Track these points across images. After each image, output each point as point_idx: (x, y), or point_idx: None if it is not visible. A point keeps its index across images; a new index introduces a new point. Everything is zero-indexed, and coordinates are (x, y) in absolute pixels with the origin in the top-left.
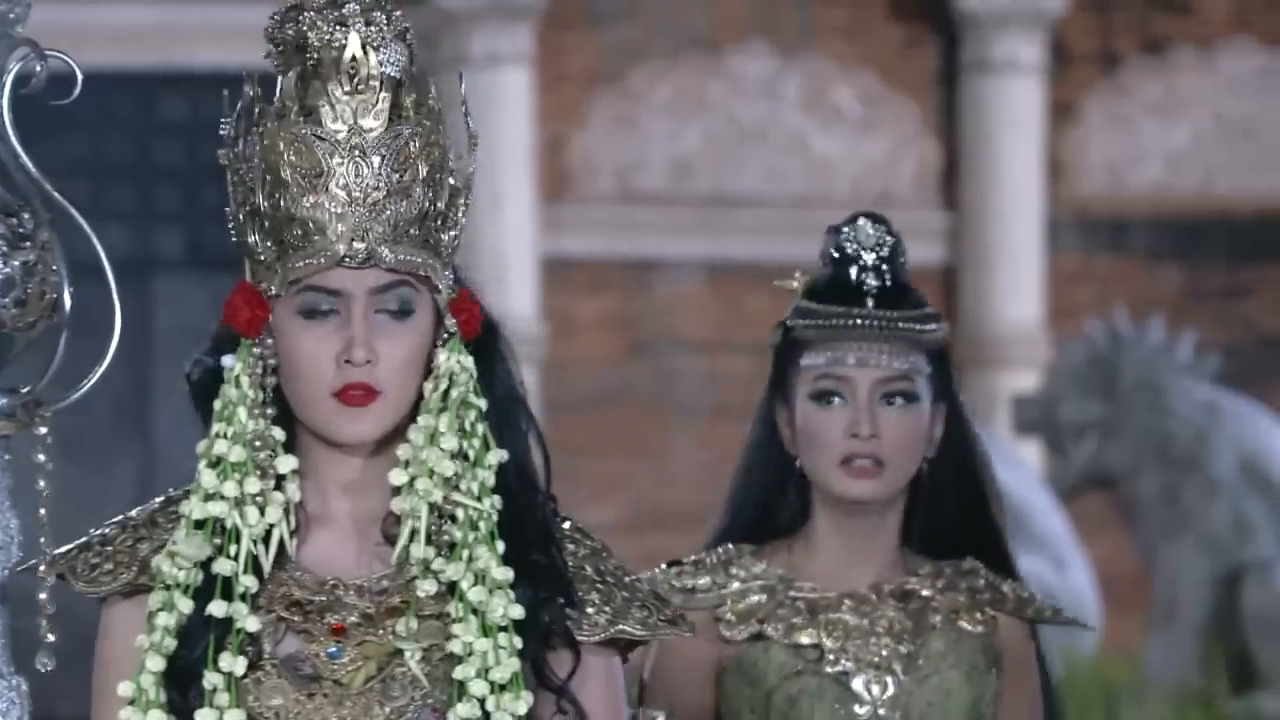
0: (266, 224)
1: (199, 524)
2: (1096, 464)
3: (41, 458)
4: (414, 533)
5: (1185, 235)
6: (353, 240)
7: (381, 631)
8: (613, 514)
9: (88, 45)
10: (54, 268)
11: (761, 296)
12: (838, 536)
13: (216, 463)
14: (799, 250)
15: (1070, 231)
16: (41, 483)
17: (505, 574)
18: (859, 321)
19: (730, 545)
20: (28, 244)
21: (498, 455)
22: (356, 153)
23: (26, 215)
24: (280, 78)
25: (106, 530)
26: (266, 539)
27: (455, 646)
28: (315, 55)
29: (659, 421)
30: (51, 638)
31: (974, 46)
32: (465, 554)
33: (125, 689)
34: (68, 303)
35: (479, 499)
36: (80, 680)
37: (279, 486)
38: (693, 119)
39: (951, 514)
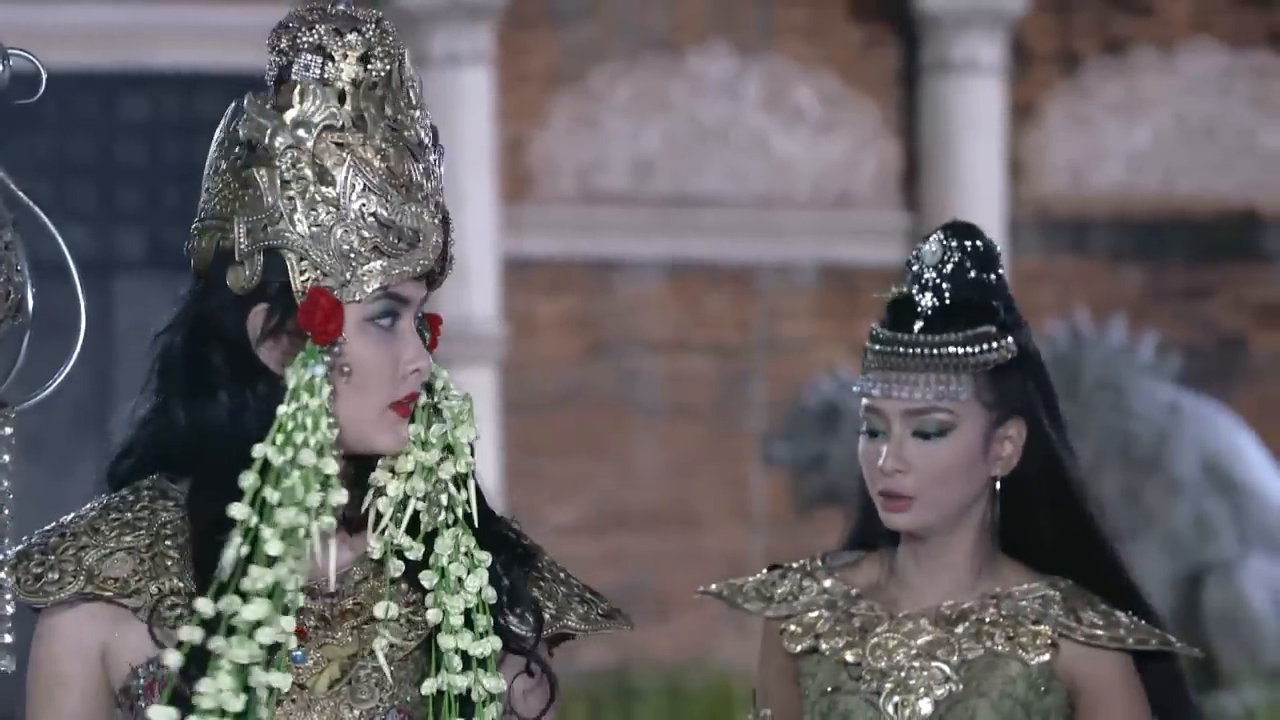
0: (354, 229)
1: (286, 534)
2: None
3: (5, 457)
4: (398, 518)
5: (1146, 236)
6: (439, 250)
7: (340, 634)
8: (574, 514)
9: (49, 45)
10: (18, 268)
11: (722, 297)
12: (912, 554)
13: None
14: (760, 250)
15: (1031, 232)
16: (5, 482)
17: (484, 556)
18: (898, 349)
19: (820, 556)
20: None
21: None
22: (425, 165)
23: None
24: (309, 84)
25: (48, 539)
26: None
27: (432, 615)
28: (385, 69)
29: (620, 422)
30: (9, 639)
31: (934, 47)
32: (447, 534)
33: (210, 701)
34: (31, 303)
35: (458, 487)
36: None
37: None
38: (653, 119)
39: (1047, 531)
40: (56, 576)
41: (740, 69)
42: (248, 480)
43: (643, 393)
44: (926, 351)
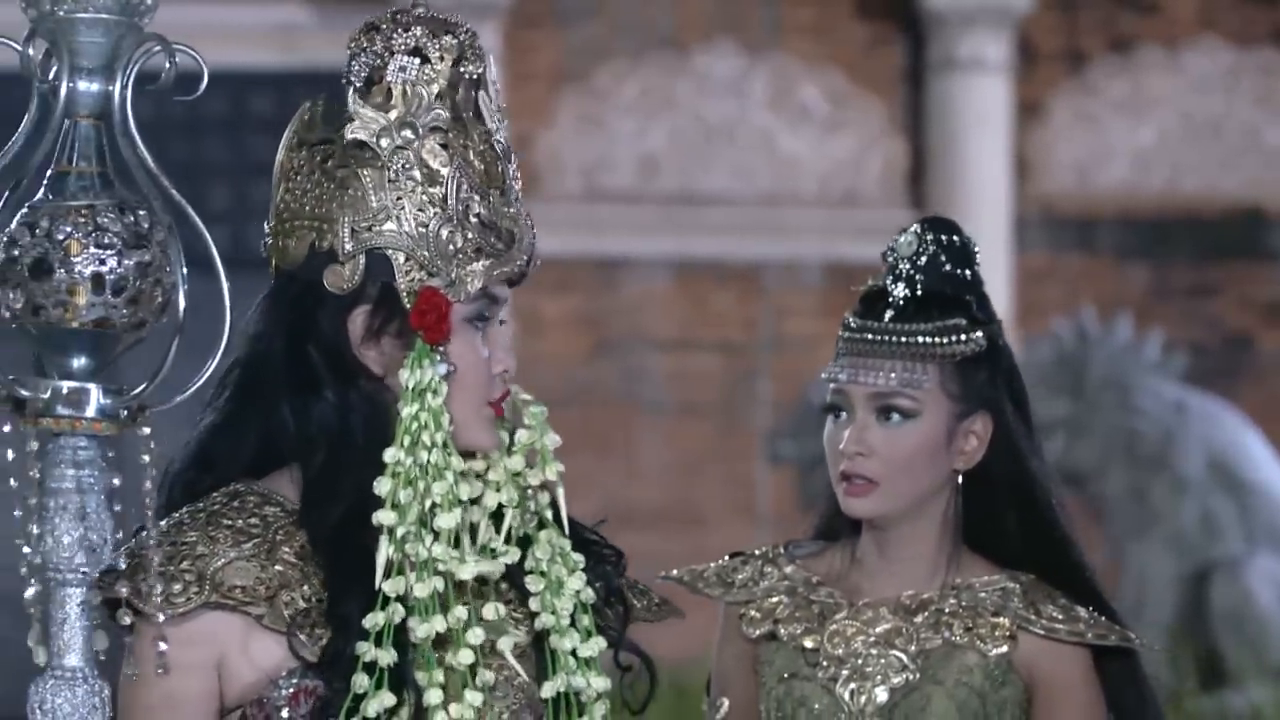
0: (460, 229)
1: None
2: (1064, 462)
3: (145, 459)
4: (496, 524)
5: (1152, 234)
6: (531, 250)
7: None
8: (580, 512)
9: None
10: (167, 269)
11: (728, 295)
12: (873, 544)
13: (439, 471)
14: (766, 249)
15: (1037, 230)
16: (146, 483)
17: (579, 557)
18: (866, 336)
19: (783, 544)
20: (145, 243)
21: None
22: (514, 166)
23: (144, 214)
24: (409, 85)
25: (162, 549)
26: None
27: (546, 619)
28: (477, 71)
29: (626, 420)
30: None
31: (940, 45)
32: (542, 537)
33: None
34: (182, 304)
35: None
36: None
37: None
38: (659, 118)
39: (1010, 526)
40: (180, 588)
41: (746, 67)
42: (384, 486)
43: (648, 391)
44: (894, 339)
